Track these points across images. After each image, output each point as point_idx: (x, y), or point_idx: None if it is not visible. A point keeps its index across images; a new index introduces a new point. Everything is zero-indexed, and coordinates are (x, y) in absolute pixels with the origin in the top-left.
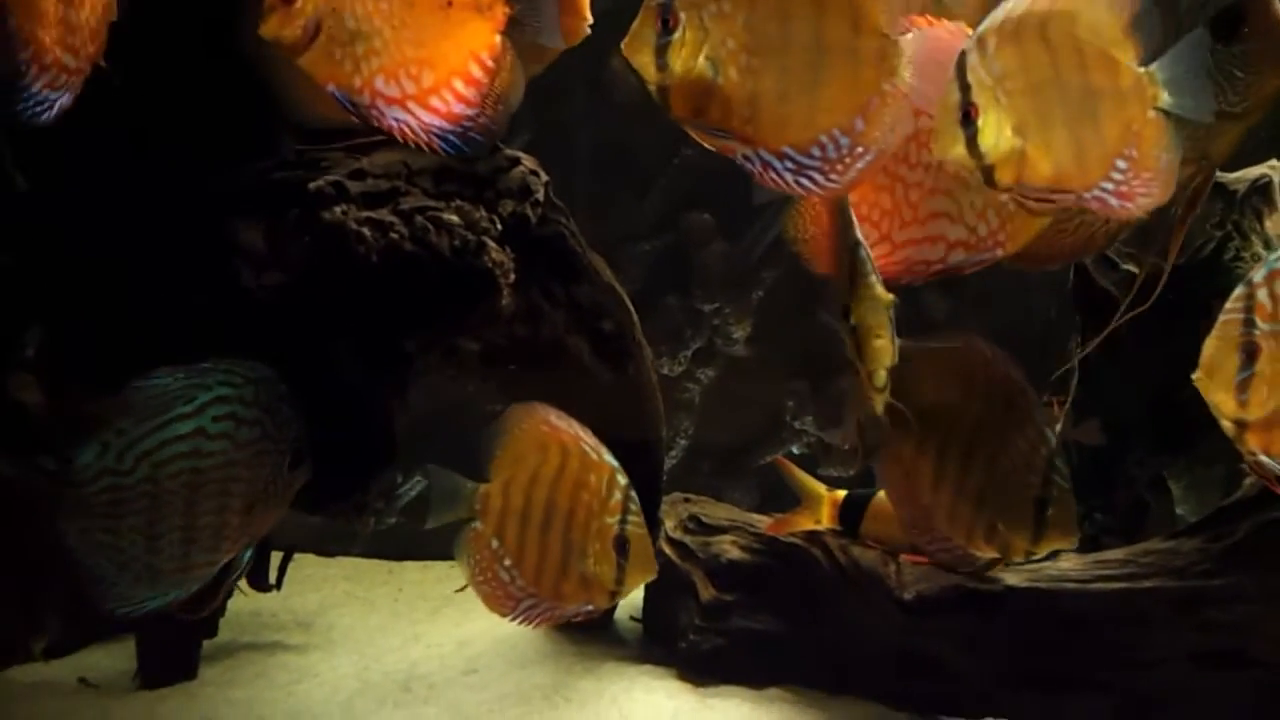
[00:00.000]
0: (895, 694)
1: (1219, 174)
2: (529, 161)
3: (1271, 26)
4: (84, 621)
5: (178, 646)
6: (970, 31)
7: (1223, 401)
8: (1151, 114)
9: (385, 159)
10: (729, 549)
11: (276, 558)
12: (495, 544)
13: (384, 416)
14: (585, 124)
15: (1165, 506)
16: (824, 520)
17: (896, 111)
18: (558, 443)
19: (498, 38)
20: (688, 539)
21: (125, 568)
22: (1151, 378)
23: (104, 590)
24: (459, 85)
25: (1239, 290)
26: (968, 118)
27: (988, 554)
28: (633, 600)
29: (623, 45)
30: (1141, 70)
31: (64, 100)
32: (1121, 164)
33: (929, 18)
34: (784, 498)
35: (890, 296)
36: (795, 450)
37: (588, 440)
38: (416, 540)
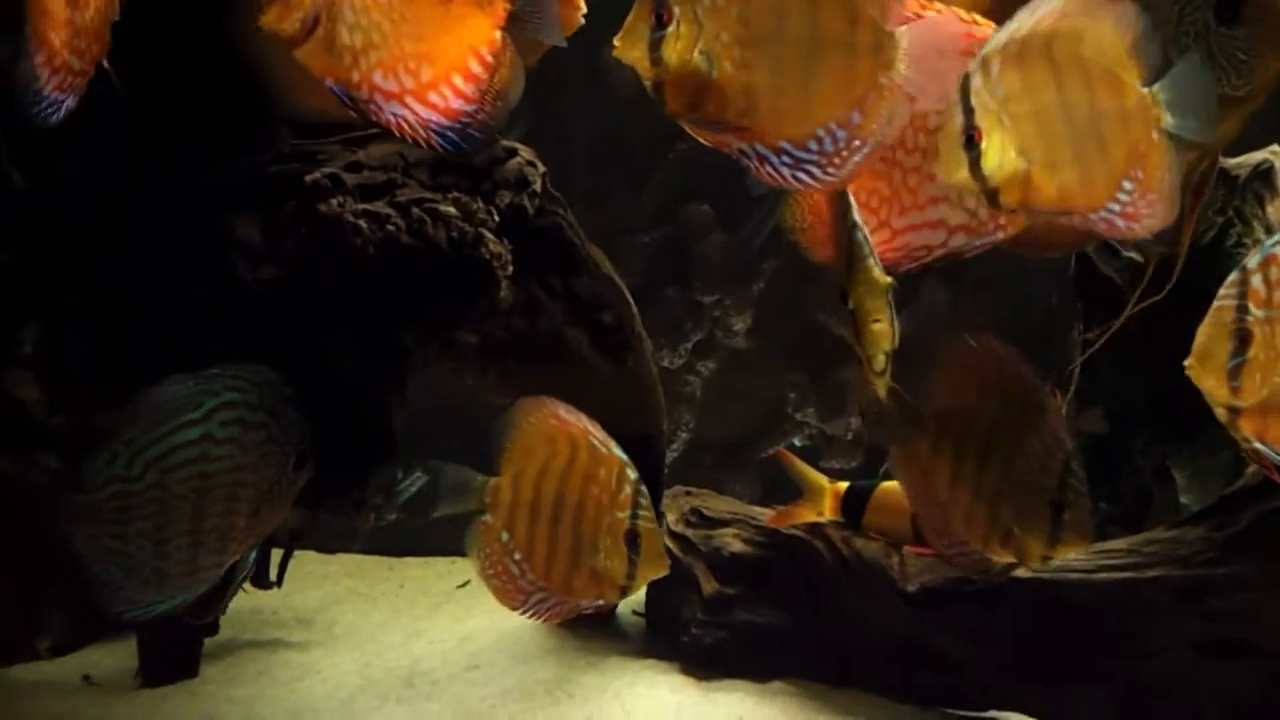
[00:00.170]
0: (899, 686)
1: (1220, 159)
2: (526, 153)
3: (1273, 8)
4: (88, 619)
5: (179, 644)
6: (969, 17)
7: (1214, 388)
8: (1155, 135)
9: (381, 151)
10: (731, 542)
11: (277, 555)
12: (505, 537)
13: (383, 411)
14: (583, 115)
15: (1169, 496)
16: (826, 512)
17: (893, 104)
18: (567, 436)
19: (498, 33)
20: (689, 532)
21: (133, 572)
22: (1154, 366)
23: (112, 595)
24: (458, 81)
25: (1233, 276)
26: (971, 141)
27: (1004, 558)
28: (635, 594)
29: (616, 40)
30: (1146, 91)
31: (70, 102)
32: (1128, 185)
33: (930, 3)
34: (786, 490)
35: (888, 280)
36: (797, 442)
37: (597, 434)
38: (417, 536)
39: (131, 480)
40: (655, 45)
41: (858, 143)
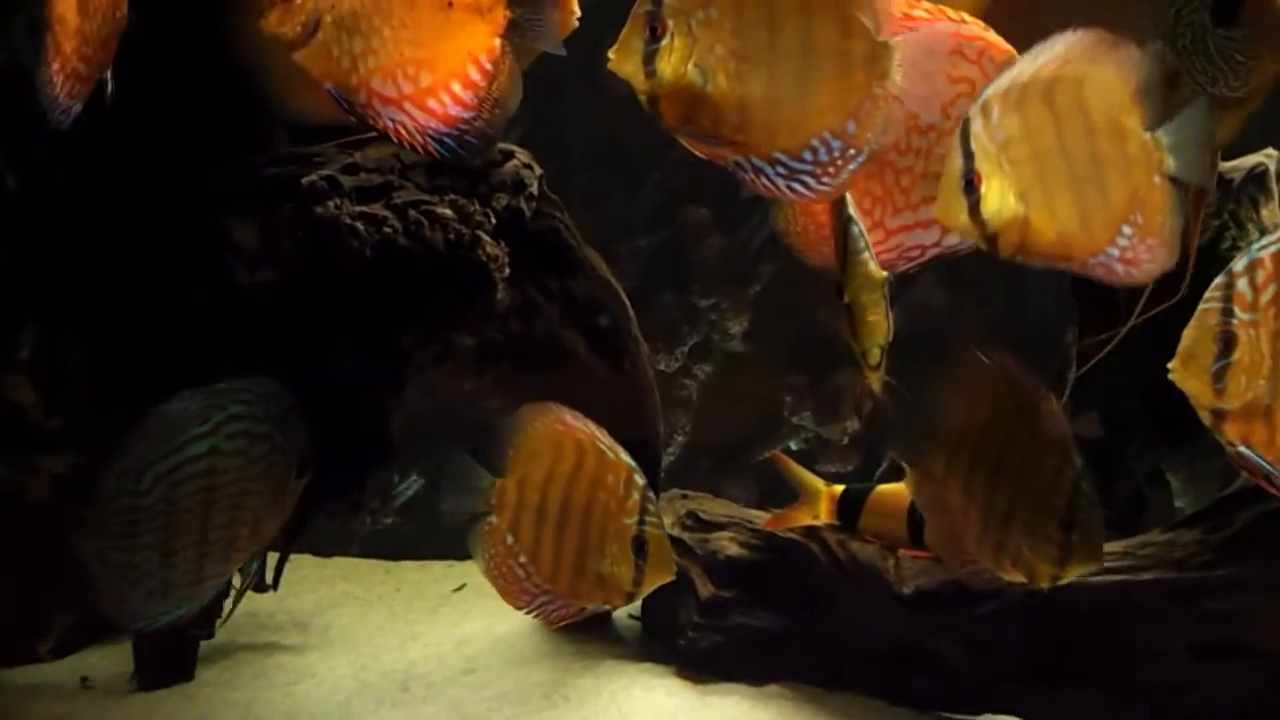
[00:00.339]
0: (894, 689)
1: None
2: (523, 155)
3: (1270, 9)
4: (88, 621)
5: (175, 648)
6: (958, 16)
7: (1199, 390)
8: (1157, 179)
9: (378, 153)
10: (727, 545)
11: (273, 559)
12: (510, 540)
13: (380, 414)
14: (580, 118)
15: (1164, 499)
16: (822, 515)
17: (887, 113)
18: (574, 441)
19: (497, 41)
20: (686, 536)
21: (139, 584)
22: (1149, 369)
23: (117, 606)
24: (457, 88)
25: (1219, 280)
26: (970, 185)
27: (1015, 577)
28: None
29: (611, 53)
30: (1148, 135)
31: (77, 108)
32: (1128, 230)
33: (929, 7)
34: (782, 493)
35: (883, 274)
36: (793, 445)
37: (604, 439)
38: (413, 540)
39: (140, 495)
40: (649, 58)
41: (852, 152)
